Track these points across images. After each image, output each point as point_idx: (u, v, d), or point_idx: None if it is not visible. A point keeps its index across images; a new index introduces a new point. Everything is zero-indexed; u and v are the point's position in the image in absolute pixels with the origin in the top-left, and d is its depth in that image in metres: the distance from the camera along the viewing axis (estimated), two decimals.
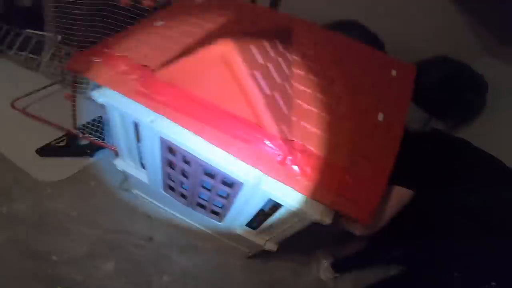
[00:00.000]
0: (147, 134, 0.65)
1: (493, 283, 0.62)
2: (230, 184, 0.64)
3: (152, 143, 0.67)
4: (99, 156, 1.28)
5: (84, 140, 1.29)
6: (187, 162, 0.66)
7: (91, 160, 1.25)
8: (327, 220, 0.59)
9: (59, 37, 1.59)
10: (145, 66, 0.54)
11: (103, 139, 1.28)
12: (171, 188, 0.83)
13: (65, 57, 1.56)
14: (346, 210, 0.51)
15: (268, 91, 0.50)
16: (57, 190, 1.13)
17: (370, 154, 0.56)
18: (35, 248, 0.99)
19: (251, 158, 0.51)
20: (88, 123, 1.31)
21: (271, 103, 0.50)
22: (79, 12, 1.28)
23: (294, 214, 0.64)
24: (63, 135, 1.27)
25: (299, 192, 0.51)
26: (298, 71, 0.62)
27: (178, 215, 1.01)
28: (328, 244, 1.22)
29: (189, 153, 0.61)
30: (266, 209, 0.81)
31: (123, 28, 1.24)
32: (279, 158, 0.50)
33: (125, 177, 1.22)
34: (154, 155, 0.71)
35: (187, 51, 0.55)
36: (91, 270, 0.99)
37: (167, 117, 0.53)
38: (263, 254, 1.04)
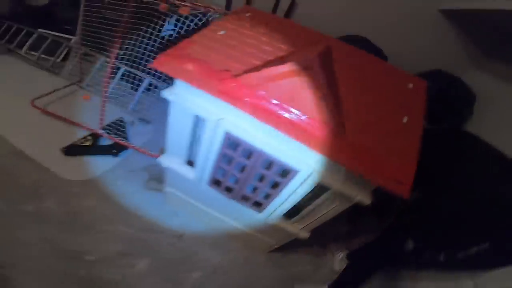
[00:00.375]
0: (210, 131, 0.73)
1: (486, 244, 0.78)
2: (285, 173, 0.74)
3: (213, 139, 0.75)
4: (123, 156, 1.30)
5: (107, 140, 1.31)
6: (247, 156, 0.74)
7: (116, 160, 1.28)
8: (368, 200, 0.71)
9: (75, 38, 1.61)
10: (227, 70, 0.63)
11: (126, 140, 1.32)
12: (217, 183, 0.90)
13: (84, 58, 1.59)
14: (390, 186, 0.62)
15: (332, 96, 0.62)
16: (84, 189, 1.15)
17: (401, 147, 0.69)
18: (67, 248, 0.99)
19: (318, 146, 0.62)
20: (111, 124, 1.35)
21: (334, 104, 0.61)
22: (115, 14, 1.33)
23: (337, 198, 0.75)
24: (89, 135, 1.28)
25: (360, 172, 0.62)
26: (342, 81, 0.74)
27: (210, 210, 1.07)
28: (341, 237, 1.33)
29: (254, 147, 0.70)
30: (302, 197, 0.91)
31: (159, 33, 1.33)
32: (339, 147, 0.61)
33: (151, 176, 1.27)
34: (211, 151, 0.78)
35: (267, 62, 0.65)
36: (126, 269, 1.00)
37: (250, 114, 0.62)
38: (283, 248, 1.13)
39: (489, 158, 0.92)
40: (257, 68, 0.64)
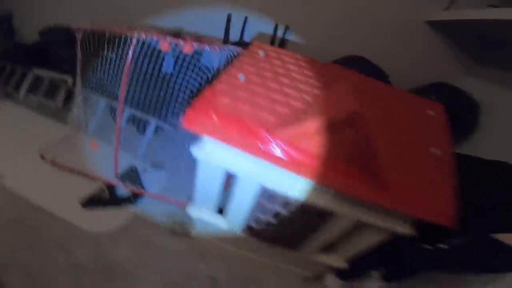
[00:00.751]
0: (244, 185, 0.73)
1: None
2: (324, 216, 0.74)
3: (247, 193, 0.75)
4: (143, 204, 1.29)
5: (124, 189, 1.29)
6: (284, 204, 0.75)
7: (135, 208, 1.26)
8: (411, 231, 0.72)
9: (75, 80, 1.59)
10: (261, 126, 0.63)
11: (143, 187, 1.30)
12: (250, 229, 0.90)
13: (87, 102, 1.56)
14: (434, 220, 0.64)
15: (367, 141, 0.63)
16: (112, 239, 1.13)
17: (436, 179, 0.70)
18: None
19: (350, 190, 0.63)
20: (125, 172, 1.33)
21: (369, 149, 0.63)
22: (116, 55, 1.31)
23: (377, 230, 0.75)
24: (104, 186, 1.26)
25: (403, 212, 0.64)
26: (367, 116, 0.76)
27: (242, 252, 1.06)
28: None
29: (292, 197, 0.70)
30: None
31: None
32: (378, 190, 0.62)
33: (174, 221, 1.25)
34: (244, 202, 0.78)
35: (298, 112, 0.66)
36: None
37: (289, 170, 0.63)
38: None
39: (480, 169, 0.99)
40: (291, 121, 0.65)
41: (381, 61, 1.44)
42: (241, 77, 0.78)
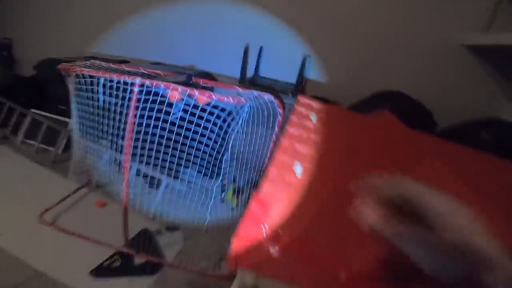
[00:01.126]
0: None
1: None
2: None
3: None
4: (159, 271, 1.12)
5: (137, 256, 1.13)
6: None
7: (153, 277, 1.09)
8: None
9: (72, 125, 1.42)
10: (341, 261, 0.46)
11: (158, 255, 1.14)
12: None
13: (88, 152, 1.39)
14: None
15: None
16: None
17: None
18: None
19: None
20: (137, 237, 1.17)
21: None
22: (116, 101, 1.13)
23: None
24: (114, 254, 1.10)
25: None
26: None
27: None
28: None
29: None
30: None
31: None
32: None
33: None
34: None
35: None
36: None
37: None
38: None
39: None
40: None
41: (419, 94, 1.27)
42: (298, 169, 0.57)
